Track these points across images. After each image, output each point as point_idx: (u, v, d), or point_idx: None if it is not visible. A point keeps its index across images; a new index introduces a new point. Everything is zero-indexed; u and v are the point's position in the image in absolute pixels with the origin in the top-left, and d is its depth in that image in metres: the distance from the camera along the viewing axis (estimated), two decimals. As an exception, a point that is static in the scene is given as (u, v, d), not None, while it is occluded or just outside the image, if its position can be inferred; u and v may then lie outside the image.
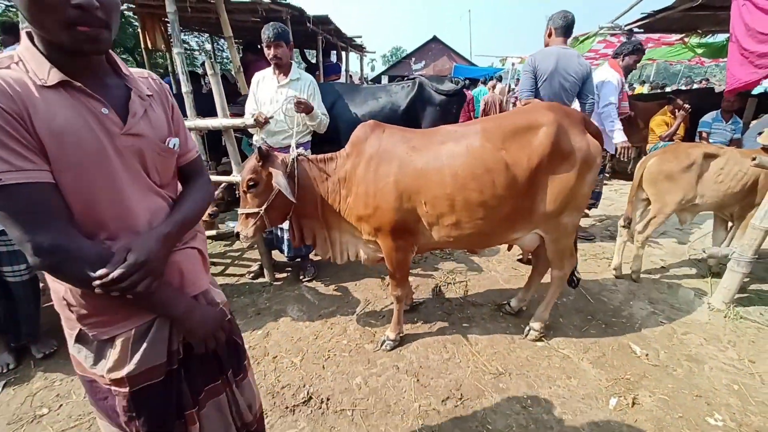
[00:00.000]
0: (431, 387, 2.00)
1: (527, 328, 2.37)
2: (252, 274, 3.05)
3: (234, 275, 3.14)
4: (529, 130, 1.85)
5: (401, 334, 2.32)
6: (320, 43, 5.33)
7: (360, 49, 7.64)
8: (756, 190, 2.59)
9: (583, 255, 3.43)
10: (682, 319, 2.54)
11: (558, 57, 2.84)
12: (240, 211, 1.96)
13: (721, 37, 5.76)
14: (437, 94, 3.36)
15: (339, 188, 1.99)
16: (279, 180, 1.81)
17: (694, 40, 5.47)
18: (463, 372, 2.11)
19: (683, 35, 5.37)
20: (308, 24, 5.11)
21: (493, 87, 7.41)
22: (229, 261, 3.41)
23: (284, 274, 3.15)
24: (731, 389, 1.98)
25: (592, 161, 1.89)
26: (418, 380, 2.04)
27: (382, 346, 2.26)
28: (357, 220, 1.98)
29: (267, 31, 2.49)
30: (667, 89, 9.23)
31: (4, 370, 2.08)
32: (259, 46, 4.38)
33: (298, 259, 3.08)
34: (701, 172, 2.55)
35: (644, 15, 4.59)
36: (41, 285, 2.16)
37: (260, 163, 1.87)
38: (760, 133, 2.97)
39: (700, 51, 5.74)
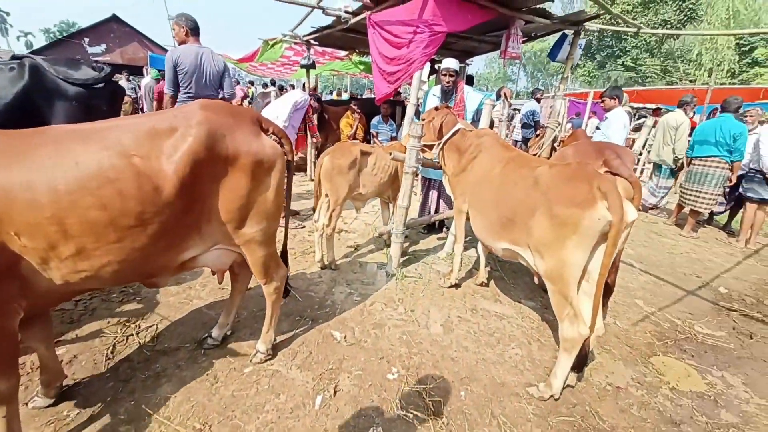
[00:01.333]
0: None
1: (254, 352, 2.13)
2: None
3: None
4: (172, 133, 1.53)
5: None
6: None
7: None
8: (399, 178, 3.34)
9: (293, 254, 3.51)
10: (370, 292, 2.98)
11: (199, 54, 3.24)
12: None
13: (374, 58, 7.51)
14: (69, 84, 2.42)
15: None
16: None
17: (356, 57, 6.80)
18: (143, 459, 1.57)
19: (348, 53, 6.56)
20: None
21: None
22: None
23: None
24: (402, 340, 2.44)
25: (270, 164, 1.76)
26: None
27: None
28: None
29: None
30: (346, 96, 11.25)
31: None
32: None
33: None
34: (361, 167, 3.05)
35: (314, 29, 5.18)
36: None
37: None
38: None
39: (362, 67, 7.25)
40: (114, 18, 15.69)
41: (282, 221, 2.23)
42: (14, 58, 2.28)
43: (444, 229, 4.34)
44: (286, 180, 1.94)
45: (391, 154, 2.95)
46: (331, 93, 18.39)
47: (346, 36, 5.28)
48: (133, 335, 2.29)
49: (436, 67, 6.87)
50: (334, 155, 2.91)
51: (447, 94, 3.80)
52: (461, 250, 3.00)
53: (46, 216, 1.28)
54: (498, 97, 3.98)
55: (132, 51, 16.03)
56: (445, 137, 2.75)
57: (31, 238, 1.29)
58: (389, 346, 2.38)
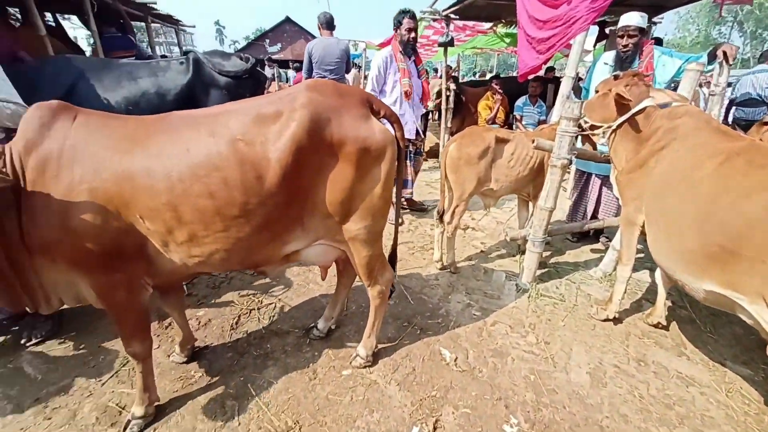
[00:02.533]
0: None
1: (354, 354, 2.00)
2: None
3: None
4: (277, 117, 1.42)
5: (154, 404, 1.67)
6: (88, 6, 3.98)
7: (169, 20, 6.21)
8: (543, 171, 2.68)
9: (410, 248, 3.26)
10: (493, 307, 2.49)
11: (324, 45, 3.98)
12: None
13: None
14: (220, 75, 2.67)
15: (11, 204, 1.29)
16: None
17: (501, 29, 5.97)
18: (238, 443, 1.58)
19: (493, 24, 5.80)
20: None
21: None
22: None
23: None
24: (528, 381, 1.92)
25: (379, 152, 1.53)
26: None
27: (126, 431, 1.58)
28: (44, 250, 1.31)
29: None
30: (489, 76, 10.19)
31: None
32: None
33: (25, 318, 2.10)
34: (495, 157, 2.52)
35: (456, 1, 4.70)
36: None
37: None
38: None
39: (508, 40, 6.34)
40: (287, 20, 18.33)
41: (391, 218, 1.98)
42: (185, 53, 2.61)
43: (602, 239, 3.41)
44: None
45: (534, 141, 2.34)
46: (474, 75, 17.39)
47: (490, 4, 4.62)
48: (255, 310, 2.43)
49: (606, 31, 5.49)
50: (462, 142, 2.48)
51: (624, 62, 2.84)
52: (628, 274, 2.20)
53: (163, 201, 1.33)
54: (711, 59, 2.74)
55: (299, 48, 18.50)
56: (625, 116, 1.97)
57: (152, 222, 1.35)
58: (511, 384, 1.90)
